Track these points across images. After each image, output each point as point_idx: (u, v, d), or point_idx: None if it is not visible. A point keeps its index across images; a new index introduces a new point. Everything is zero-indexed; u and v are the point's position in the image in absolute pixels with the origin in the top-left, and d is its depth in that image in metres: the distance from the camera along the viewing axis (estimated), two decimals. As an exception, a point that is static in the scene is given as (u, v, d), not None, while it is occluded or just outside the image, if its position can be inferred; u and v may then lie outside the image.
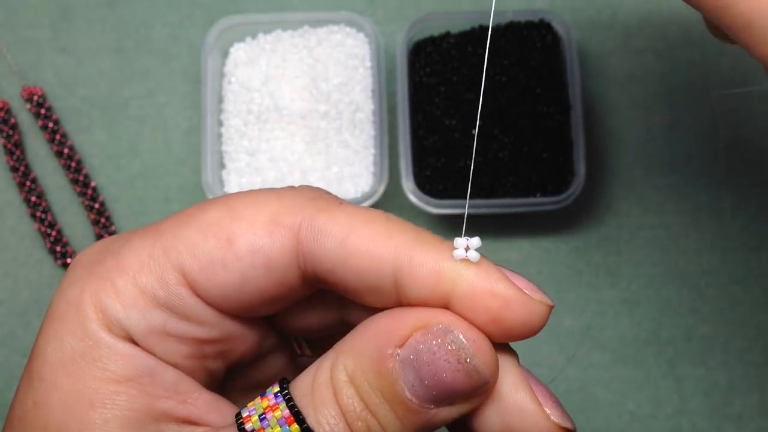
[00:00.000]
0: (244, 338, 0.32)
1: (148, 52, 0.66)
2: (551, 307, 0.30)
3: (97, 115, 0.65)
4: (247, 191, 0.31)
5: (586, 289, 0.61)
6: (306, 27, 0.63)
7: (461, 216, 0.58)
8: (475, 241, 0.28)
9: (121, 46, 0.66)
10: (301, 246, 0.29)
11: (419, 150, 0.60)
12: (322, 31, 0.63)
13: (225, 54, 0.63)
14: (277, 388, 0.28)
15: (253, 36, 0.63)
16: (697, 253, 0.61)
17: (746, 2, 0.30)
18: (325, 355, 0.29)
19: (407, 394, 0.27)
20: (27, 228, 0.63)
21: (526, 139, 0.59)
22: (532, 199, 0.58)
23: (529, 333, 0.29)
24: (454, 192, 0.59)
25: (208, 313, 0.30)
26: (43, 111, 0.63)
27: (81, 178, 0.62)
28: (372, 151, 0.60)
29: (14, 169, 0.62)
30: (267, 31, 0.63)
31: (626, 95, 0.64)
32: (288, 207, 0.29)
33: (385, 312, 0.29)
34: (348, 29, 0.63)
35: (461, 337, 0.27)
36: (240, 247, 0.29)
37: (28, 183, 0.62)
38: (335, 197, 0.31)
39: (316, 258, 0.29)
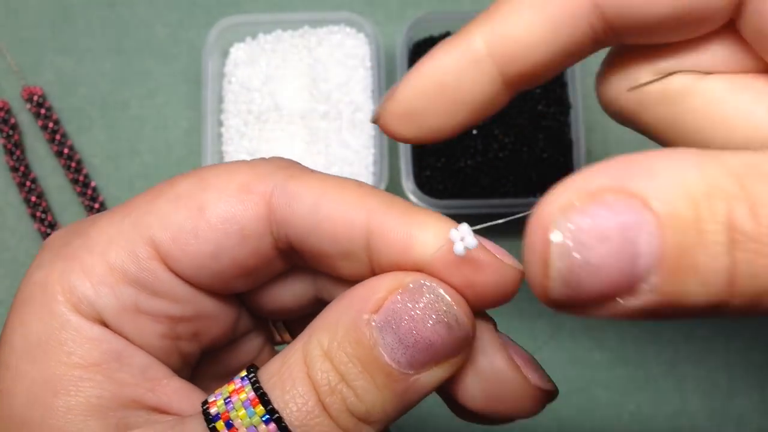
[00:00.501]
0: (218, 318, 0.31)
1: (148, 52, 0.66)
2: (522, 273, 0.28)
3: (97, 115, 0.65)
4: (220, 164, 0.31)
5: (586, 289, 0.61)
6: (306, 27, 0.63)
7: (461, 216, 0.58)
8: (472, 243, 0.27)
9: (121, 46, 0.66)
10: (273, 213, 0.29)
11: (419, 150, 0.60)
12: (322, 31, 0.63)
13: (225, 54, 0.63)
14: (244, 372, 0.28)
15: (253, 36, 0.63)
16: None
17: None
18: (297, 337, 0.28)
19: (387, 359, 0.27)
20: (27, 228, 0.63)
21: (526, 139, 0.59)
22: (532, 199, 0.58)
23: (501, 298, 0.28)
24: (454, 192, 0.59)
25: (181, 289, 0.29)
26: (43, 111, 0.63)
27: (81, 178, 0.62)
28: (372, 151, 0.60)
29: (14, 169, 0.62)
30: (267, 31, 0.63)
31: (626, 95, 0.64)
32: (259, 174, 0.29)
33: (358, 284, 0.28)
34: (348, 29, 0.63)
35: (439, 290, 0.27)
36: (212, 215, 0.29)
37: (28, 183, 0.62)
38: (306, 167, 0.30)
39: (288, 224, 0.29)
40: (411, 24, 0.61)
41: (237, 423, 0.26)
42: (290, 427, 0.26)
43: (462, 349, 0.27)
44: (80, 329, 0.28)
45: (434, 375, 0.27)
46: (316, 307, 0.32)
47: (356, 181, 0.29)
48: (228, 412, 0.27)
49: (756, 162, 0.21)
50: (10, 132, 0.63)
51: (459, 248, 0.27)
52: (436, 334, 0.27)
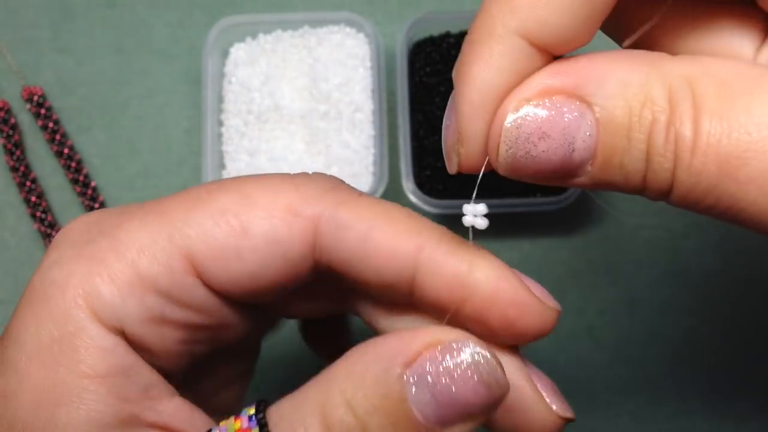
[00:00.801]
0: (236, 325, 0.31)
1: (148, 52, 0.66)
2: (560, 313, 0.29)
3: (97, 115, 0.65)
4: (261, 175, 0.30)
5: (586, 289, 0.61)
6: (306, 27, 0.63)
7: (461, 216, 0.58)
8: (481, 207, 0.28)
9: (121, 46, 0.66)
10: (320, 238, 0.28)
11: (419, 150, 0.60)
12: (322, 31, 0.63)
13: (225, 54, 0.63)
14: (252, 410, 0.26)
15: (253, 36, 0.63)
16: (697, 253, 0.61)
17: None
18: (312, 380, 0.27)
19: (415, 413, 0.25)
20: (27, 228, 0.63)
21: (526, 139, 0.59)
22: (532, 199, 0.58)
23: (539, 338, 0.29)
24: (454, 192, 0.59)
25: (211, 302, 0.29)
26: (43, 111, 0.63)
27: (81, 178, 0.62)
28: (372, 151, 0.60)
29: (14, 169, 0.62)
30: (267, 31, 0.63)
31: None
32: (306, 197, 0.29)
33: (386, 335, 0.27)
34: (348, 29, 0.63)
35: (482, 350, 0.26)
36: (257, 236, 0.28)
37: (28, 183, 0.62)
38: (353, 188, 0.30)
39: (334, 251, 0.28)
40: (411, 24, 0.61)
41: None
42: None
43: (497, 407, 0.26)
44: (95, 337, 0.27)
45: (461, 429, 0.26)
46: (335, 311, 0.32)
47: (405, 209, 0.29)
48: None
49: (693, 75, 0.24)
50: (10, 132, 0.63)
51: (468, 221, 0.27)
52: (475, 395, 0.26)
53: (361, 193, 0.30)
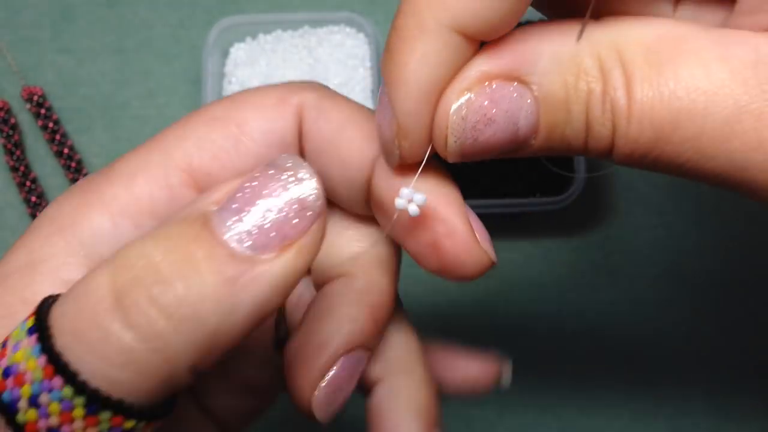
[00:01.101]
0: None
1: (149, 52, 0.66)
2: (492, 263, 0.29)
3: (97, 115, 0.65)
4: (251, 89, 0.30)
5: (586, 289, 0.61)
6: (306, 27, 0.63)
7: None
8: (420, 198, 0.27)
9: (122, 47, 0.66)
10: (302, 124, 0.29)
11: (419, 150, 0.60)
12: (322, 31, 0.63)
13: (225, 54, 0.63)
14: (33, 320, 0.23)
15: (253, 36, 0.63)
16: (697, 253, 0.61)
17: None
18: None
19: (218, 234, 0.22)
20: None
21: (526, 139, 0.59)
22: (532, 199, 0.58)
23: (460, 273, 0.28)
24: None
25: None
26: (43, 111, 0.63)
27: (81, 178, 0.62)
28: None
29: (14, 169, 0.62)
30: (267, 31, 0.63)
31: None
32: (293, 88, 0.29)
33: None
34: (348, 29, 0.63)
35: (291, 159, 0.23)
36: (252, 129, 0.28)
37: (28, 183, 0.62)
38: (338, 93, 0.31)
39: (310, 137, 0.29)
40: (411, 24, 0.61)
41: (9, 342, 0.22)
42: (56, 335, 0.21)
43: (311, 220, 0.23)
44: (60, 267, 0.26)
45: (278, 263, 0.22)
46: None
47: None
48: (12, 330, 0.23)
49: (619, 41, 0.25)
50: (10, 132, 0.63)
51: (400, 204, 0.27)
52: (280, 199, 0.22)
53: (345, 96, 0.30)
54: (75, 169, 0.62)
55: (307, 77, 0.61)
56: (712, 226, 0.61)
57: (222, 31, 0.62)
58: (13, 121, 0.63)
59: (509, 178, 0.59)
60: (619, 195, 0.62)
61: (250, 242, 0.22)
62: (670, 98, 0.24)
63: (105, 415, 0.21)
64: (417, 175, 0.28)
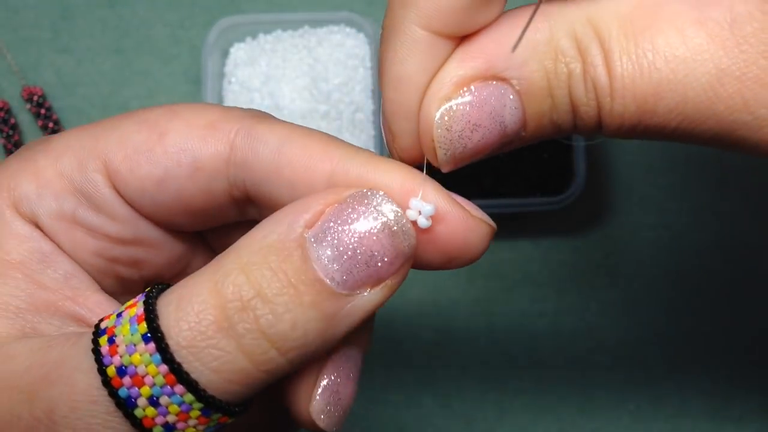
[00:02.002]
0: (161, 249, 0.30)
1: (149, 52, 0.66)
2: (493, 228, 0.28)
3: (97, 115, 0.65)
4: (196, 103, 0.30)
5: (586, 289, 0.61)
6: (306, 27, 0.63)
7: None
8: (429, 209, 0.27)
9: (121, 47, 0.66)
10: (234, 153, 0.28)
11: (419, 150, 0.60)
12: (322, 31, 0.63)
13: (225, 54, 0.63)
14: (149, 288, 0.26)
15: (253, 36, 0.63)
16: (697, 253, 0.61)
17: None
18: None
19: (319, 273, 0.24)
20: (27, 228, 0.63)
21: (526, 139, 0.59)
22: (532, 199, 0.58)
23: (468, 253, 0.27)
24: (454, 191, 0.59)
25: (121, 209, 0.29)
26: (43, 111, 0.63)
27: (81, 178, 0.62)
28: (372, 151, 0.61)
29: (14, 169, 0.62)
30: (267, 31, 0.63)
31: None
32: (228, 116, 0.29)
33: (291, 203, 0.26)
34: (348, 29, 0.63)
35: (384, 197, 0.25)
36: (169, 142, 0.28)
37: (28, 183, 0.62)
38: (278, 118, 0.30)
39: (248, 166, 0.28)
40: (411, 24, 0.61)
41: (119, 339, 0.24)
42: (173, 348, 0.24)
43: (403, 264, 0.25)
44: (11, 224, 0.28)
45: (369, 298, 0.25)
46: None
47: (322, 132, 0.29)
48: (114, 327, 0.25)
49: (593, 15, 0.25)
50: (10, 132, 0.63)
51: (411, 215, 0.26)
52: (378, 243, 0.25)
53: (283, 120, 0.29)
54: (75, 169, 0.63)
55: (307, 77, 0.61)
56: (712, 226, 0.61)
57: (222, 31, 0.62)
58: (13, 121, 0.63)
59: (509, 178, 0.59)
60: (619, 195, 0.62)
61: (347, 280, 0.24)
62: (650, 70, 0.24)
63: (215, 416, 0.25)
64: (422, 187, 0.27)
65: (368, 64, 0.62)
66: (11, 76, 0.65)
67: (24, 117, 0.64)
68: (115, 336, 0.25)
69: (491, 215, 0.30)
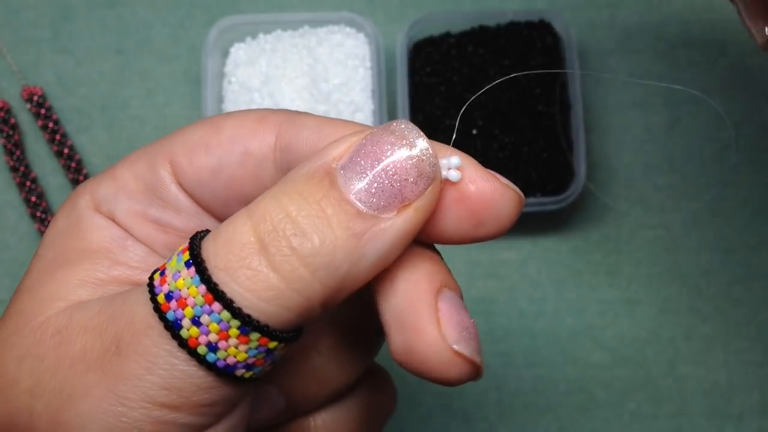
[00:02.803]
0: None
1: (148, 52, 0.66)
2: (522, 198, 0.29)
3: (97, 115, 0.65)
4: None
5: (586, 289, 0.61)
6: (306, 27, 0.63)
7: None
8: (456, 161, 0.28)
9: (121, 47, 0.66)
10: (279, 139, 0.30)
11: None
12: (322, 32, 0.63)
13: (225, 54, 0.63)
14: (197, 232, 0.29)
15: (253, 36, 0.63)
16: (697, 253, 0.61)
17: None
18: None
19: (348, 195, 0.26)
20: (27, 228, 0.63)
21: (526, 139, 0.59)
22: (532, 199, 0.58)
23: (498, 218, 0.28)
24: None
25: (186, 203, 0.31)
26: (43, 111, 0.63)
27: (81, 178, 0.62)
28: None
29: (14, 169, 0.62)
30: (267, 31, 0.63)
31: (626, 95, 0.64)
32: (276, 111, 0.31)
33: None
34: (348, 29, 0.63)
35: (406, 126, 0.27)
36: (224, 134, 0.30)
37: (28, 183, 0.62)
38: None
39: (292, 148, 0.30)
40: (411, 24, 0.61)
41: (168, 270, 0.27)
42: (211, 270, 0.26)
43: (427, 185, 0.27)
44: (93, 219, 0.31)
45: (397, 223, 0.26)
46: None
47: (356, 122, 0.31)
48: (165, 264, 0.28)
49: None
50: (10, 132, 0.63)
51: (454, 175, 0.27)
52: (402, 166, 0.26)
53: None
54: (75, 169, 0.62)
55: (307, 77, 0.61)
56: (712, 226, 0.61)
57: (222, 31, 0.62)
58: (13, 121, 0.63)
59: (509, 178, 0.59)
60: (618, 195, 0.62)
61: (373, 201, 0.26)
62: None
63: (254, 336, 0.26)
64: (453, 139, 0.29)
65: (368, 64, 0.62)
66: (11, 76, 0.65)
67: (24, 117, 0.64)
68: (166, 269, 0.27)
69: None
